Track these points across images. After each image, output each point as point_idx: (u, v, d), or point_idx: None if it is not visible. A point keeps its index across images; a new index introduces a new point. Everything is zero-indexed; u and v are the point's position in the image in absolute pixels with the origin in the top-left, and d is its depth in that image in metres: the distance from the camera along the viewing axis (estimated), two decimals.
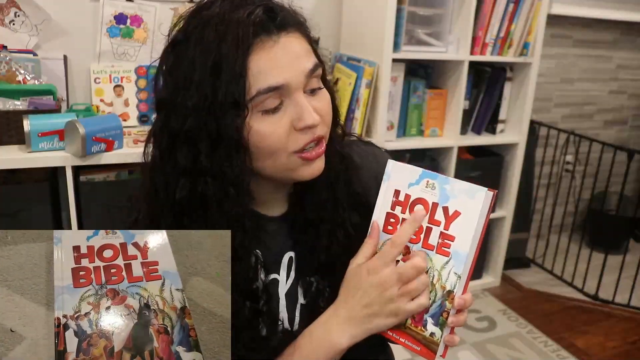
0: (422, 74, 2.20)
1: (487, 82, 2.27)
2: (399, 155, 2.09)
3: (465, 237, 0.62)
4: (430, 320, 0.64)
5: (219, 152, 0.64)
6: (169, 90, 0.65)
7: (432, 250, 0.64)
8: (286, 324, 0.75)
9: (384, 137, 2.02)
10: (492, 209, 0.63)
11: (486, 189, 0.62)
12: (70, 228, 1.64)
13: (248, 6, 0.63)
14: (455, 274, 0.62)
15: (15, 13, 1.77)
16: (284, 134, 0.65)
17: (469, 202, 0.62)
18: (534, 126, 2.52)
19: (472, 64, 2.14)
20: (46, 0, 1.78)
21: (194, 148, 0.64)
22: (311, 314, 0.74)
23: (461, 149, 2.27)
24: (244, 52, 0.61)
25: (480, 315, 2.27)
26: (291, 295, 0.76)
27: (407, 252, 0.65)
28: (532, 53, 2.21)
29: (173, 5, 1.95)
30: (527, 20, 2.15)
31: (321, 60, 0.70)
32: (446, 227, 0.63)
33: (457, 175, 2.20)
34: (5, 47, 1.70)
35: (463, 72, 2.09)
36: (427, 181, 0.64)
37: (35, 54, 1.77)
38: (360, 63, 2.00)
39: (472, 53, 2.09)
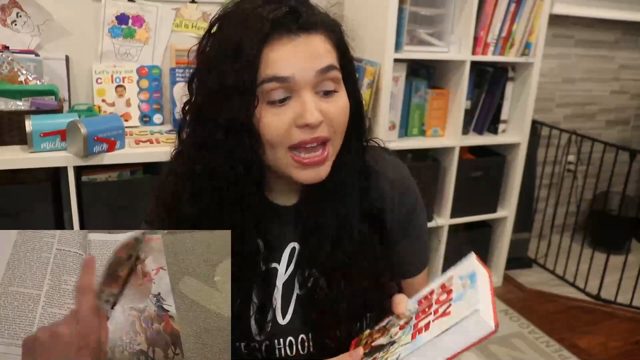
0: (423, 74, 2.20)
1: (489, 82, 2.26)
2: (401, 156, 2.08)
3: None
4: None
5: (231, 134, 0.67)
6: (197, 72, 0.71)
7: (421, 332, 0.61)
8: (278, 314, 0.77)
9: (386, 137, 2.00)
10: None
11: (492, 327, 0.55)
12: (72, 228, 1.64)
13: (274, 4, 0.66)
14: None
15: (17, 13, 1.77)
16: (284, 128, 0.67)
17: (469, 330, 0.57)
18: (535, 126, 2.51)
19: (474, 64, 2.13)
20: (48, 1, 1.78)
21: (211, 126, 0.68)
22: (306, 305, 0.77)
23: (463, 149, 2.27)
24: (260, 42, 0.65)
25: None
26: (288, 286, 0.78)
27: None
28: (534, 53, 2.21)
29: (175, 6, 1.95)
30: (529, 20, 2.15)
31: (350, 66, 0.73)
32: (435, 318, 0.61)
33: (459, 175, 2.21)
34: (7, 48, 1.70)
35: (465, 72, 2.09)
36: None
37: (37, 55, 1.77)
38: (361, 63, 1.99)
39: (474, 53, 2.09)
